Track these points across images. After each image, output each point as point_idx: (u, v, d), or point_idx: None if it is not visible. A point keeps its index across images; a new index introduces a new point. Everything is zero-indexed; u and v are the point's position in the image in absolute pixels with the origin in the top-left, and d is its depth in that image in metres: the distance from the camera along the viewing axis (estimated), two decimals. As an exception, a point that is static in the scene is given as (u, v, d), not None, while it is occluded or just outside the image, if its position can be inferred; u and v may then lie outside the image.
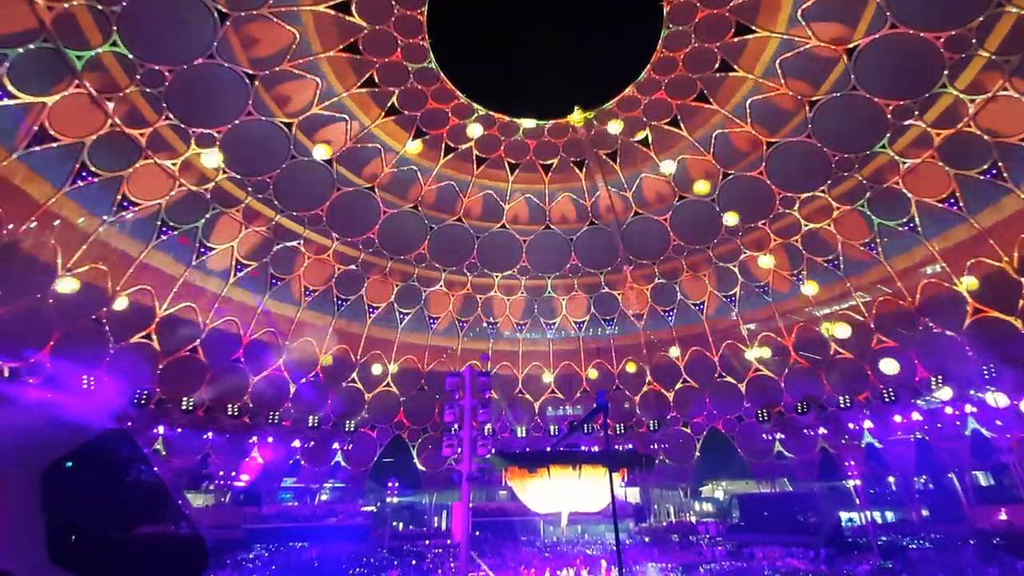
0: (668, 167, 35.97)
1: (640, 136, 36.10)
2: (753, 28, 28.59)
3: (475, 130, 35.60)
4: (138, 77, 25.51)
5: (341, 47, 29.41)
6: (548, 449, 36.54)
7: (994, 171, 27.13)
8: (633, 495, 48.45)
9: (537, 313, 45.49)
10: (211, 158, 29.69)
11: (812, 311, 37.54)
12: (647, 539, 40.58)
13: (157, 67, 25.74)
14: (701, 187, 35.20)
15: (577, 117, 34.70)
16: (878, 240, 33.28)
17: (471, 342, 45.41)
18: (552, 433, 44.82)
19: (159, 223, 30.69)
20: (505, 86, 34.48)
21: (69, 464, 4.68)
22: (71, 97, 24.23)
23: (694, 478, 46.80)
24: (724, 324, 42.04)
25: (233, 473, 39.63)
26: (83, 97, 24.56)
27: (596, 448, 41.68)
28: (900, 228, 32.07)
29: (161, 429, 34.25)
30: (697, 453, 44.52)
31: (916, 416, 34.87)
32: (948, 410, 33.49)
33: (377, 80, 31.75)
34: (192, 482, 38.77)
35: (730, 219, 35.67)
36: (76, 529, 4.55)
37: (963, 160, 28.03)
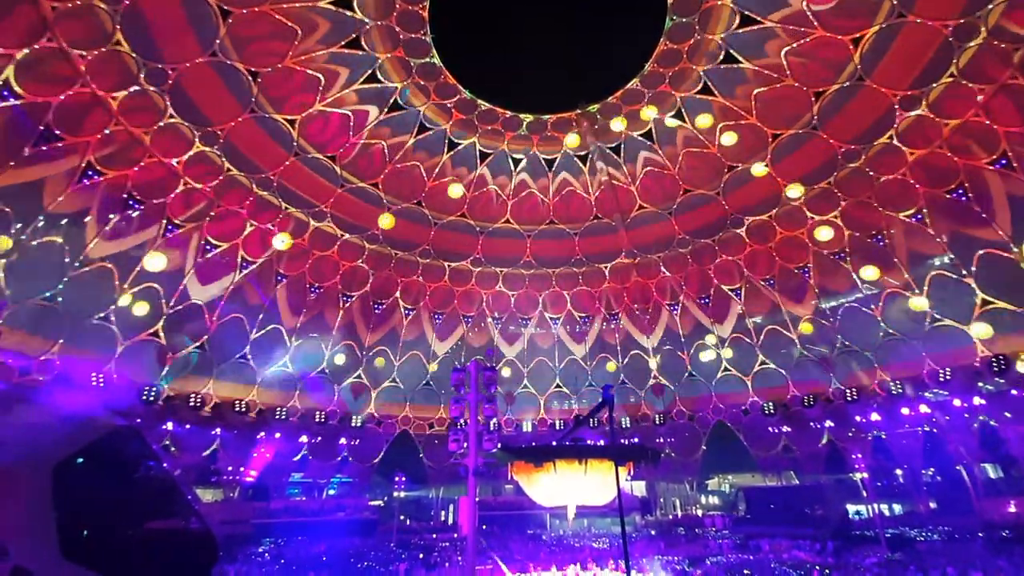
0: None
1: (644, 130, 36.03)
2: (759, 19, 28.31)
3: (571, 139, 35.87)
4: (141, 76, 25.57)
5: (343, 43, 29.37)
6: (554, 443, 36.69)
7: (1003, 161, 26.85)
8: (639, 488, 48.57)
9: (541, 307, 45.49)
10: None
11: (817, 303, 37.35)
12: (653, 532, 40.71)
13: (160, 65, 25.81)
14: (758, 169, 32.94)
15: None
16: (885, 232, 33.02)
17: (476, 337, 45.52)
18: (558, 427, 44.94)
19: (164, 221, 30.82)
20: (507, 80, 34.33)
21: (80, 461, 4.73)
22: (75, 96, 24.32)
23: (700, 471, 46.83)
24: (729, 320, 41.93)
25: (241, 468, 39.98)
26: (87, 95, 24.63)
27: (602, 442, 41.74)
28: (907, 219, 31.82)
29: (170, 425, 34.55)
30: (703, 447, 44.53)
31: (924, 408, 34.71)
32: (956, 402, 33.32)
33: (380, 76, 31.69)
34: (201, 477, 39.13)
35: (793, 191, 33.22)
36: (88, 524, 4.61)
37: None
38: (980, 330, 30.40)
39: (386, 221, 35.16)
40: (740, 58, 30.36)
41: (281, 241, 32.75)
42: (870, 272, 32.93)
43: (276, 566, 27.68)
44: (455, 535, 38.04)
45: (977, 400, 32.46)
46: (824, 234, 33.48)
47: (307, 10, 27.24)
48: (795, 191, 32.65)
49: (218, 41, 26.40)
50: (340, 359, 40.88)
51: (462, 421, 19.04)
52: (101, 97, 25.08)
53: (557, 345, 46.67)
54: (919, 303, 32.19)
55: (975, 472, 35.13)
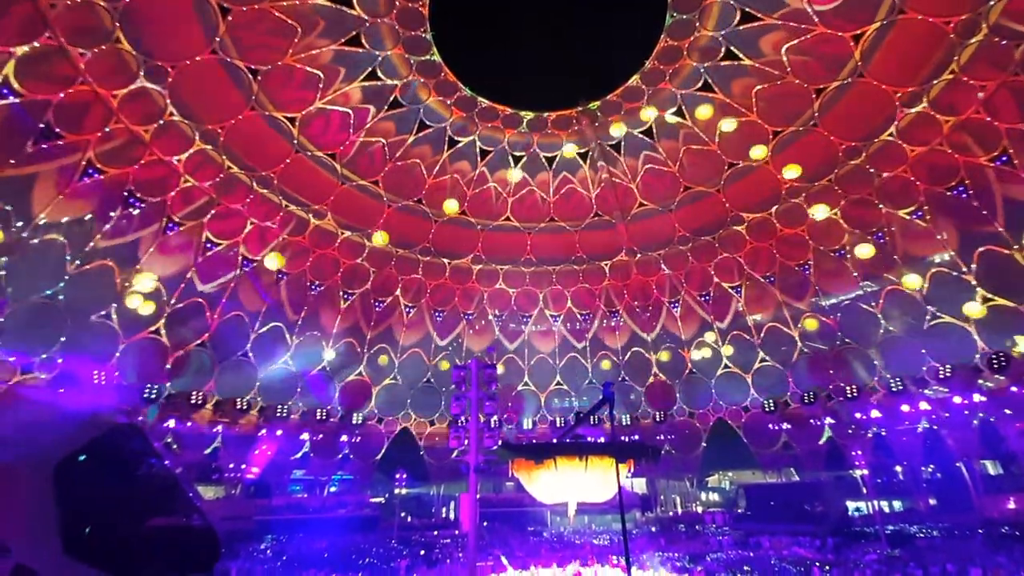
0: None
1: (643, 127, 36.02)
2: (759, 16, 28.24)
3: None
4: (141, 73, 25.54)
5: (343, 40, 29.32)
6: (554, 440, 36.70)
7: (1004, 158, 26.81)
8: (640, 486, 48.61)
9: (542, 304, 45.46)
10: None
11: (817, 300, 37.35)
12: (654, 529, 40.77)
13: (160, 63, 25.77)
14: (757, 152, 32.74)
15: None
16: (886, 229, 32.98)
17: (477, 335, 45.55)
18: (558, 425, 45.00)
19: (164, 219, 30.82)
20: (508, 77, 34.29)
21: (82, 458, 4.75)
22: (75, 94, 24.29)
23: (700, 468, 46.91)
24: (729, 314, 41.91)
25: (243, 466, 40.06)
26: (87, 93, 24.61)
27: (602, 439, 41.79)
28: (907, 217, 31.78)
29: (172, 423, 34.60)
30: (703, 444, 44.58)
31: (924, 405, 34.72)
32: (956, 399, 33.32)
33: (380, 73, 31.65)
34: (202, 475, 39.21)
35: (790, 172, 32.07)
36: (90, 522, 4.63)
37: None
38: (973, 309, 30.19)
39: (380, 238, 35.54)
40: (741, 55, 30.31)
41: (273, 261, 32.79)
42: (865, 250, 32.15)
43: (278, 563, 27.75)
44: (456, 532, 38.15)
45: (977, 397, 32.47)
46: (820, 212, 32.81)
47: (307, 8, 27.21)
48: (792, 171, 31.65)
49: (218, 39, 26.37)
50: (341, 357, 40.90)
51: (463, 419, 19.07)
52: (101, 95, 25.04)
53: (557, 342, 46.69)
54: (912, 281, 32.00)
55: (975, 469, 35.19)
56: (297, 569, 26.53)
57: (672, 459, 44.59)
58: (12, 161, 23.77)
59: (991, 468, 36.81)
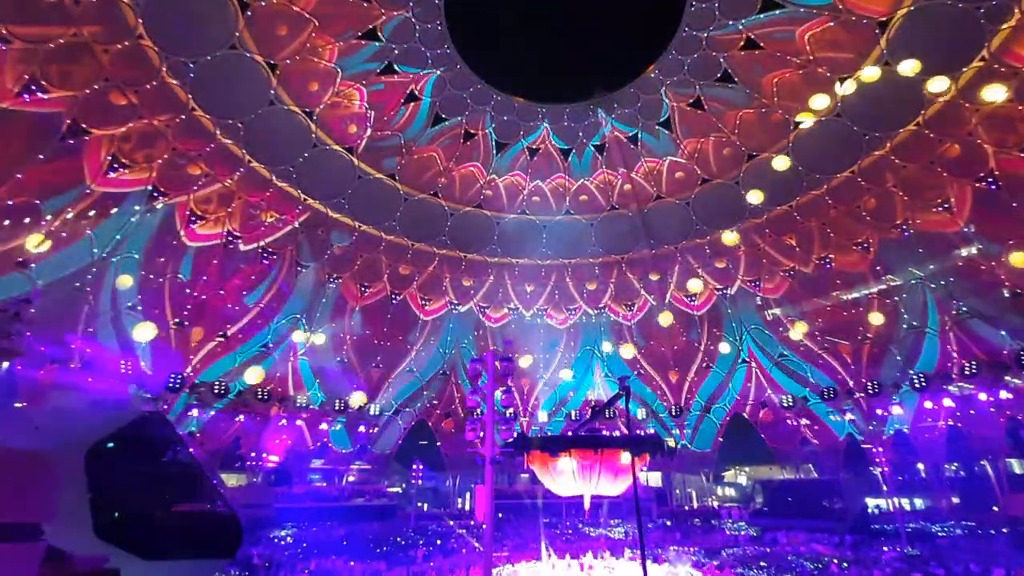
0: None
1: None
2: (780, 2, 27.65)
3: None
4: (164, 69, 25.95)
5: (360, 34, 29.44)
6: (570, 433, 36.72)
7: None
8: (655, 480, 48.54)
9: (558, 298, 45.31)
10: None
11: (840, 295, 36.65)
12: (669, 523, 40.72)
13: (182, 59, 26.15)
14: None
15: None
16: (910, 222, 32.18)
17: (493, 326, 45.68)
18: (574, 417, 45.00)
19: (188, 213, 31.41)
20: (523, 69, 34.15)
21: (111, 445, 4.92)
22: (101, 90, 24.79)
23: (716, 463, 46.62)
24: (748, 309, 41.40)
25: (264, 455, 40.90)
26: (112, 90, 25.10)
27: (618, 432, 41.70)
28: (935, 209, 30.94)
29: (195, 412, 35.43)
30: (720, 438, 44.25)
31: (948, 402, 33.98)
32: (982, 396, 32.54)
33: (396, 67, 31.74)
34: (224, 463, 40.11)
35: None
36: (119, 506, 4.80)
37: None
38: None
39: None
40: (762, 44, 29.73)
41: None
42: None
43: (298, 550, 28.39)
44: (472, 522, 38.55)
45: (1004, 394, 31.66)
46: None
47: (324, 2, 27.38)
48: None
49: (237, 34, 26.65)
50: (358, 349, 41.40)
51: (479, 410, 19.21)
52: (124, 91, 25.50)
53: (574, 334, 46.55)
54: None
55: (1000, 467, 34.40)
56: (316, 556, 27.13)
57: (688, 453, 44.42)
58: (41, 156, 24.42)
59: (1017, 467, 35.96)
